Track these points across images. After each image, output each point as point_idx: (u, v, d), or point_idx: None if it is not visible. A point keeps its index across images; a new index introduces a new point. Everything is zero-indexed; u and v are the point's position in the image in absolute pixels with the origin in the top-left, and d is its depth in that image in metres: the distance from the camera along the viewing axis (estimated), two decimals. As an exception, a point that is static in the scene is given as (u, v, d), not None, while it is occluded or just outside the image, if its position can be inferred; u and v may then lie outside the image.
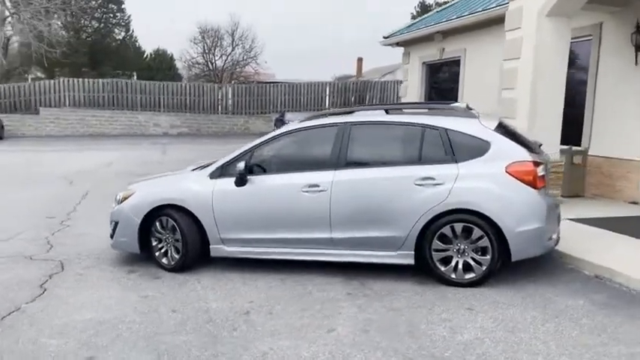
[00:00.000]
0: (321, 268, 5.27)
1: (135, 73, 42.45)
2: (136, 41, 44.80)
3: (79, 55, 38.73)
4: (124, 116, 28.21)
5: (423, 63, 14.45)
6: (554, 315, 4.22)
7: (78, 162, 15.64)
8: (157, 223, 5.40)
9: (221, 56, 37.47)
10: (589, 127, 9.04)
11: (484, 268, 4.77)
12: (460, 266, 4.82)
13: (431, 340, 3.81)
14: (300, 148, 5.44)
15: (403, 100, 15.31)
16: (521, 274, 5.13)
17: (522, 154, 4.79)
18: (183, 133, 28.47)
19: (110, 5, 41.74)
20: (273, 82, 32.98)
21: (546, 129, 7.78)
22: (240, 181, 5.16)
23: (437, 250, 4.85)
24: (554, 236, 4.99)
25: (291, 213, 5.10)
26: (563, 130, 8.04)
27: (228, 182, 5.21)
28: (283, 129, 5.46)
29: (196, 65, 38.40)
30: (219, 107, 29.70)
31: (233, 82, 36.39)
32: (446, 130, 4.91)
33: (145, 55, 54.85)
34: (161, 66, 45.23)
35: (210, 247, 5.33)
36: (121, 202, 5.56)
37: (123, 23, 42.92)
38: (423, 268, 4.98)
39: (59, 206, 8.84)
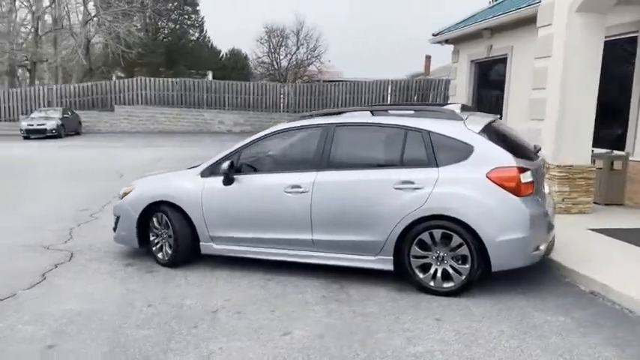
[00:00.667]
0: (309, 270, 5.26)
1: (209, 72, 44.16)
2: (209, 41, 46.46)
3: (156, 55, 40.73)
4: (191, 114, 29.36)
5: (471, 61, 13.98)
6: (523, 331, 3.98)
7: (137, 157, 16.49)
8: (154, 219, 5.62)
9: (286, 55, 38.08)
10: (633, 131, 8.38)
11: (463, 277, 4.58)
12: (439, 274, 4.66)
13: (380, 350, 3.71)
14: (285, 148, 5.46)
15: (452, 100, 14.89)
16: (508, 285, 4.87)
17: (506, 159, 4.54)
18: (245, 130, 29.16)
19: (185, 7, 43.51)
20: (335, 81, 33.04)
21: (576, 132, 7.33)
22: (227, 180, 5.26)
23: (416, 257, 4.71)
24: (543, 247, 4.68)
25: (274, 213, 5.13)
26: (604, 133, 7.55)
27: (217, 181, 5.31)
28: (271, 129, 5.49)
29: (262, 65, 39.22)
30: (281, 106, 30.24)
31: (297, 81, 36.89)
32: (429, 132, 4.75)
33: (220, 55, 56.82)
34: (236, 65, 46.69)
35: (200, 244, 5.48)
36: (122, 197, 5.83)
37: (197, 24, 44.60)
38: (403, 275, 4.85)
39: (98, 199, 9.38)
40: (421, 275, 4.71)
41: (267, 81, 35.37)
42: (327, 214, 4.94)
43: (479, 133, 4.66)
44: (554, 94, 7.45)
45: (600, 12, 7.15)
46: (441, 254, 4.63)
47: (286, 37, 37.26)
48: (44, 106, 28.37)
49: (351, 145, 5.10)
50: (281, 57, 38.22)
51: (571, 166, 7.40)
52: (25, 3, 34.64)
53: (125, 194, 5.82)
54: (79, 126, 27.44)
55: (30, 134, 24.59)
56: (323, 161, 5.02)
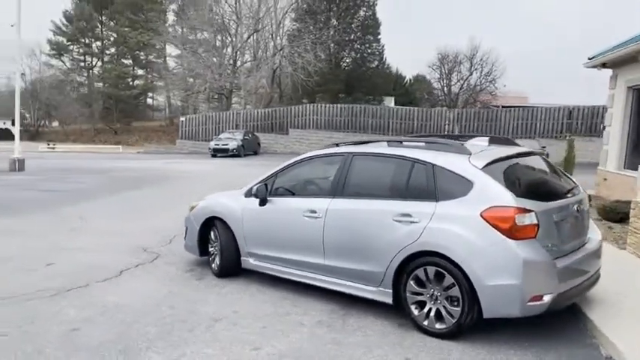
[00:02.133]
0: (327, 294, 5.39)
1: (390, 98, 45.37)
2: (388, 68, 47.70)
3: (337, 82, 43.28)
4: (356, 138, 30.51)
5: (629, 87, 12.35)
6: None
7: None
8: (212, 233, 6.32)
9: (458, 81, 37.32)
10: None
11: (454, 320, 4.34)
12: (432, 314, 4.48)
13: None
14: (311, 174, 5.71)
15: (607, 130, 13.32)
16: (515, 335, 4.45)
17: (504, 198, 4.21)
18: (408, 156, 29.38)
19: (367, 37, 45.44)
20: (506, 107, 31.39)
21: None
22: (262, 202, 5.72)
23: (412, 293, 4.59)
24: (548, 297, 4.17)
25: (294, 235, 5.44)
26: None
27: (256, 202, 5.80)
28: (301, 156, 5.81)
29: (432, 91, 39.03)
30: (446, 132, 29.73)
31: (468, 106, 35.84)
32: (433, 165, 4.62)
33: (405, 81, 57.97)
34: (419, 91, 47.19)
35: (241, 258, 6.01)
36: (191, 210, 6.65)
37: (377, 52, 46.21)
38: (401, 310, 4.75)
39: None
40: (416, 312, 4.57)
41: (439, 107, 35.04)
42: (336, 240, 5.08)
43: (482, 168, 4.40)
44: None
45: None
46: (435, 293, 4.46)
47: (459, 62, 36.57)
48: (233, 128, 32.16)
49: (364, 175, 5.18)
50: (452, 82, 37.62)
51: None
52: (229, 39, 39.77)
53: (192, 208, 6.64)
54: (258, 147, 30.52)
55: (216, 152, 28.25)
56: (338, 189, 5.19)
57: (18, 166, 19.01)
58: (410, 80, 54.33)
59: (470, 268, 4.20)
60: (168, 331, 4.59)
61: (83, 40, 58.13)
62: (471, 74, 36.78)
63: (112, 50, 59.37)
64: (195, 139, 33.12)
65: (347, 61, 45.56)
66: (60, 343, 4.32)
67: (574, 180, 5.21)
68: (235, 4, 39.20)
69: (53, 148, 39.10)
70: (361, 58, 45.69)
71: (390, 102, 49.61)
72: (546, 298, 4.18)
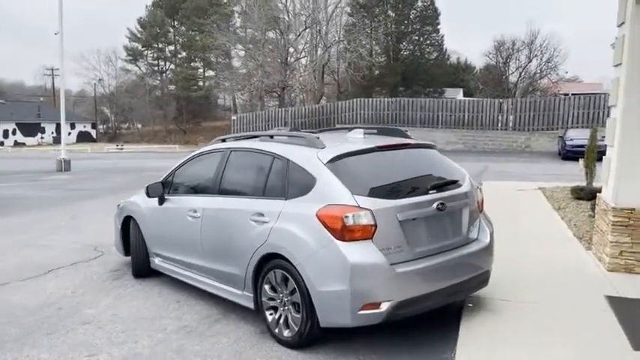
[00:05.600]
0: (219, 297, 5.14)
1: (457, 90, 43.88)
2: (449, 59, 46.08)
3: (394, 75, 42.42)
4: (404, 132, 29.73)
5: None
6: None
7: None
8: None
9: (517, 69, 35.22)
10: None
11: (297, 328, 3.98)
12: (282, 320, 4.15)
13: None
14: (198, 171, 5.45)
15: None
16: (374, 346, 4.01)
17: (339, 195, 3.79)
18: (457, 149, 28.19)
19: (426, 27, 44.15)
20: (564, 95, 29.25)
21: (637, 162, 5.40)
22: (160, 200, 5.58)
23: (267, 298, 4.28)
24: (385, 306, 3.70)
25: (181, 235, 5.26)
26: None
27: (156, 200, 5.68)
28: (194, 152, 5.59)
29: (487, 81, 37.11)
30: (499, 123, 28.22)
31: (527, 96, 33.77)
32: (287, 160, 4.28)
33: (474, 71, 55.90)
34: (490, 81, 45.21)
35: (149, 259, 5.91)
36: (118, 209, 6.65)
37: (437, 43, 44.79)
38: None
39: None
40: (269, 319, 4.26)
41: (491, 98, 33.33)
42: (210, 240, 4.86)
43: (327, 163, 4.00)
44: (620, 112, 5.60)
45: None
46: (284, 299, 4.12)
47: (517, 49, 34.51)
48: (281, 125, 32.39)
49: (237, 172, 4.90)
50: (510, 71, 35.58)
51: (632, 209, 5.42)
52: (281, 37, 40.07)
53: (118, 206, 6.64)
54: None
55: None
56: (215, 186, 4.96)
57: (64, 166, 20.18)
58: (479, 70, 52.26)
59: (305, 273, 3.84)
60: (28, 333, 4.59)
61: (156, 45, 61.04)
62: (530, 61, 34.57)
63: (183, 54, 61.81)
64: (247, 137, 33.71)
65: (405, 53, 44.52)
66: None
67: (463, 175, 4.61)
68: (285, 1, 39.44)
69: (121, 149, 41.41)
70: (419, 49, 44.51)
71: (457, 94, 47.96)
72: (384, 307, 3.71)
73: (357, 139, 4.60)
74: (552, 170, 18.76)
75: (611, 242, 5.50)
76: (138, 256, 5.99)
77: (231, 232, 4.58)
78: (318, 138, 4.29)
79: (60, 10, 19.84)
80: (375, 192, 3.88)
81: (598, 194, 6.39)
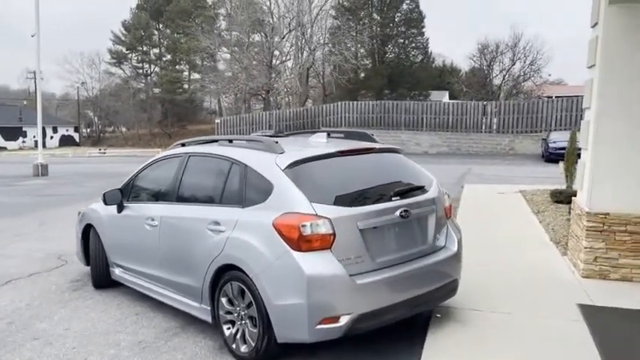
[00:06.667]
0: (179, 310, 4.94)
1: (431, 93, 43.89)
2: (434, 62, 46.11)
3: (380, 78, 42.34)
4: (389, 135, 29.59)
5: None
6: None
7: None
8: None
9: (501, 72, 35.35)
10: None
11: (254, 344, 3.77)
12: (239, 335, 3.93)
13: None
14: (157, 178, 5.22)
15: None
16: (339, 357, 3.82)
17: (296, 203, 3.59)
18: (442, 152, 28.16)
19: (411, 30, 44.15)
20: (548, 98, 29.36)
21: (616, 166, 5.27)
22: (118, 208, 5.34)
23: (224, 312, 4.06)
24: (345, 320, 3.50)
25: (140, 245, 5.02)
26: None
27: (114, 208, 5.43)
28: (153, 158, 5.36)
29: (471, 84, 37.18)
30: (483, 126, 28.22)
31: (510, 98, 33.86)
32: (245, 166, 4.07)
33: (460, 74, 56.07)
34: (475, 84, 45.34)
35: (110, 269, 5.66)
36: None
37: (421, 46, 44.80)
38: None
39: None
40: (227, 333, 4.05)
41: (475, 100, 33.38)
42: (166, 250, 4.65)
43: (284, 169, 3.80)
44: (592, 115, 5.47)
45: (648, -2, 5.00)
46: (241, 312, 3.91)
47: (501, 52, 34.62)
48: (265, 128, 32.15)
49: (195, 178, 4.68)
50: (494, 74, 35.70)
51: (607, 214, 5.28)
52: (265, 39, 39.86)
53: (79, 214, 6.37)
54: (289, 146, 30.29)
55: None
56: (173, 193, 4.74)
57: (41, 171, 19.76)
58: (465, 73, 52.41)
59: (261, 285, 3.64)
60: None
61: (141, 48, 60.46)
62: (514, 64, 34.70)
63: (168, 57, 61.28)
64: (231, 140, 33.42)
65: (390, 56, 44.49)
66: None
67: (431, 180, 4.44)
68: (270, 3, 39.25)
69: (104, 153, 40.86)
70: (405, 52, 44.49)
71: (443, 96, 48.01)
72: (343, 320, 3.52)
73: (319, 143, 4.41)
74: (535, 173, 18.73)
75: (586, 248, 5.36)
76: (98, 267, 5.74)
77: (187, 242, 4.36)
78: (277, 142, 4.09)
79: (36, 12, 19.47)
80: (335, 199, 3.69)
81: (573, 198, 6.26)
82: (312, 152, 4.01)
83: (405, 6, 43.63)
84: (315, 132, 4.80)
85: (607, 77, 5.30)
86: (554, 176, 16.11)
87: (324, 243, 3.52)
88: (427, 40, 44.41)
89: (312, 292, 3.46)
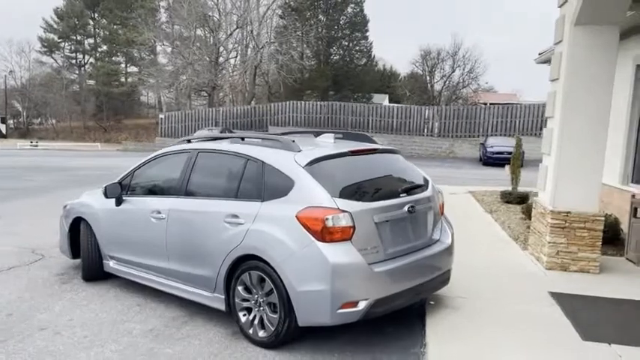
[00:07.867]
0: (181, 299, 5.06)
1: (383, 96, 44.90)
2: (377, 65, 47.29)
3: (324, 79, 42.92)
4: (335, 136, 30.21)
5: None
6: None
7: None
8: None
9: (441, 78, 36.93)
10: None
11: (273, 328, 4.05)
12: (257, 321, 4.20)
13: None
14: (162, 172, 5.38)
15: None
16: (348, 342, 4.16)
17: (319, 198, 3.92)
18: (386, 153, 29.01)
19: (355, 34, 45.05)
20: (485, 104, 31.01)
21: (576, 169, 5.92)
22: (117, 201, 5.42)
23: (240, 299, 4.31)
24: (363, 304, 3.88)
25: (144, 237, 5.14)
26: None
27: (113, 201, 5.50)
28: (156, 153, 5.51)
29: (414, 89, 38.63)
30: (425, 129, 29.39)
31: (450, 104, 35.46)
32: (263, 163, 4.34)
33: (399, 78, 57.51)
34: (415, 89, 46.77)
35: (103, 262, 5.72)
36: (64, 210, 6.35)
37: (365, 50, 45.83)
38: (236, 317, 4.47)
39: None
40: (243, 320, 4.30)
41: (417, 105, 34.70)
42: (177, 242, 4.80)
43: (305, 166, 4.11)
44: (557, 124, 6.11)
45: (609, 23, 5.69)
46: (259, 299, 4.18)
47: (442, 59, 36.18)
48: (212, 125, 31.88)
49: (205, 173, 4.89)
50: (435, 80, 37.23)
51: (568, 212, 5.94)
52: (211, 35, 39.45)
53: (65, 208, 6.34)
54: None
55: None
56: (182, 188, 4.91)
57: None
58: (404, 77, 53.98)
59: (284, 273, 3.93)
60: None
61: (74, 38, 57.97)
62: (454, 71, 36.36)
63: (104, 48, 59.11)
64: (175, 136, 32.81)
65: (335, 58, 45.20)
66: None
67: (426, 179, 4.90)
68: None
69: (36, 146, 38.99)
70: (349, 55, 45.35)
71: (384, 99, 49.26)
72: (361, 305, 3.88)
73: (327, 143, 4.74)
74: (476, 175, 19.87)
75: (549, 242, 5.99)
76: (90, 259, 5.77)
77: (200, 234, 4.56)
78: (294, 141, 4.39)
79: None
80: (352, 195, 4.04)
81: (535, 198, 6.91)
82: (327, 151, 4.34)
83: (349, 9, 44.44)
84: (307, 132, 5.13)
85: (571, 88, 5.93)
86: (495, 178, 17.27)
87: (345, 235, 3.87)
88: (371, 43, 45.50)
89: (335, 279, 3.79)
